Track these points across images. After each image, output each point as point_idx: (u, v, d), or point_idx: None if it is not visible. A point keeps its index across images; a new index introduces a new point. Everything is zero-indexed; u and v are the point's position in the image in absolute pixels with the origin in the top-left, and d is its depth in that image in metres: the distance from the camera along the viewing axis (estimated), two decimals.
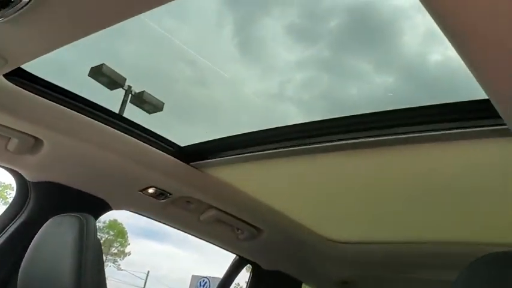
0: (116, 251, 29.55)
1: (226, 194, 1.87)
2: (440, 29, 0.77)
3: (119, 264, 29.40)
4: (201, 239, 2.13)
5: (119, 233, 29.21)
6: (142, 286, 27.20)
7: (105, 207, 1.77)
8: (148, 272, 27.47)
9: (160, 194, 1.79)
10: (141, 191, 1.75)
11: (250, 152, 1.61)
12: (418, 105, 1.24)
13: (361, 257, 2.19)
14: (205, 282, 15.22)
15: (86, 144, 1.54)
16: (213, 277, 15.12)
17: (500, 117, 0.96)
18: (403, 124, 1.23)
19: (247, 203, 1.95)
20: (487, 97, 0.93)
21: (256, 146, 1.55)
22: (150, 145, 1.64)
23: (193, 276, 16.40)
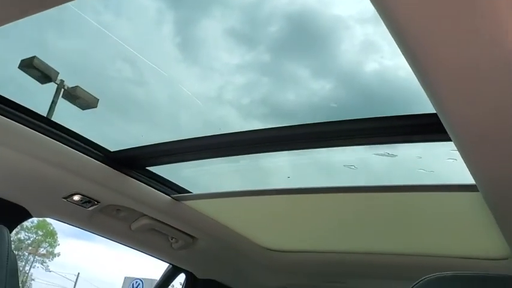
0: (44, 251, 28.24)
1: (158, 202, 1.78)
2: (395, 40, 0.75)
3: (48, 266, 28.15)
4: (133, 248, 2.02)
5: (48, 233, 27.93)
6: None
7: (24, 215, 1.62)
8: (79, 273, 26.45)
9: (87, 201, 1.66)
10: (65, 198, 1.62)
11: (185, 160, 1.54)
12: (358, 118, 1.22)
13: (296, 265, 2.17)
14: (138, 284, 14.86)
15: (3, 148, 1.40)
16: (146, 279, 14.77)
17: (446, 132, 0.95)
18: (344, 136, 1.20)
19: (182, 212, 1.87)
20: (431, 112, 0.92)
21: (190, 153, 1.48)
22: (77, 150, 1.52)
23: (126, 277, 15.96)
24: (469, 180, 1.13)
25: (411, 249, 1.80)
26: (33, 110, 1.43)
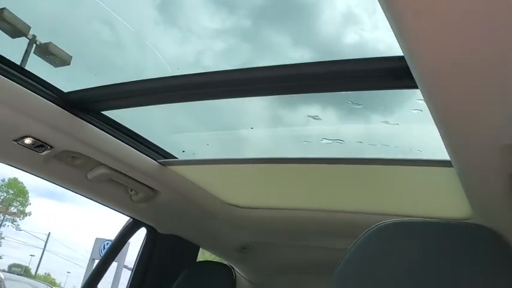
0: (15, 210, 27.94)
1: (117, 150, 1.70)
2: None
3: (18, 225, 27.93)
4: (91, 199, 1.95)
5: (19, 192, 27.56)
6: (43, 248, 26.03)
7: None
8: (49, 233, 26.31)
9: (40, 145, 1.57)
10: (15, 141, 1.53)
11: (143, 104, 1.46)
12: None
13: (259, 222, 2.15)
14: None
15: None
16: None
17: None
18: (307, 80, 1.13)
19: (142, 163, 1.80)
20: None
21: (148, 96, 1.40)
22: (27, 88, 1.42)
23: (97, 239, 15.93)
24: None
25: (375, 209, 1.78)
26: None
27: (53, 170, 1.70)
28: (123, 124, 1.71)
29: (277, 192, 2.02)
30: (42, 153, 1.60)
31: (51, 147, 1.58)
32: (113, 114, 1.66)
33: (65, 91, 1.50)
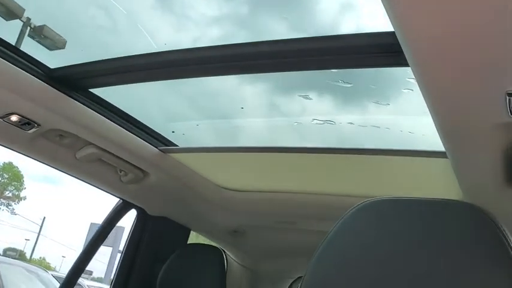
0: (10, 194, 27.93)
1: (106, 130, 1.68)
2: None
3: (13, 209, 27.93)
4: (80, 179, 1.93)
5: (14, 176, 27.52)
6: (38, 232, 26.07)
7: None
8: (45, 218, 26.34)
9: (27, 123, 1.54)
10: (2, 117, 1.50)
11: (133, 81, 1.43)
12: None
13: (250, 205, 2.14)
14: None
15: None
16: None
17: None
18: (291, 56, 1.11)
19: (131, 143, 1.78)
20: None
21: (140, 72, 1.37)
22: (12, 64, 1.39)
23: (92, 223, 15.91)
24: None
25: (366, 192, 1.77)
26: None
27: (41, 149, 1.68)
28: (112, 103, 1.69)
29: (268, 175, 2.01)
30: (29, 131, 1.58)
31: (38, 125, 1.56)
32: (102, 93, 1.63)
33: (51, 67, 1.47)
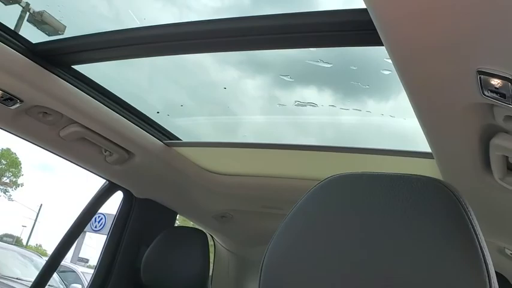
0: (7, 180, 27.95)
1: (90, 108, 1.67)
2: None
3: (10, 195, 27.96)
4: (64, 158, 1.92)
5: (12, 162, 27.52)
6: (34, 218, 26.11)
7: None
8: (41, 204, 26.36)
9: (9, 98, 1.53)
10: None
11: (117, 57, 1.41)
12: None
13: (237, 189, 2.13)
14: (101, 218, 14.89)
15: None
16: (109, 214, 14.79)
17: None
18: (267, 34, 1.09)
19: (116, 123, 1.77)
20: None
21: (124, 48, 1.36)
22: None
23: None
24: None
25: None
26: None
27: (24, 126, 1.67)
28: (98, 82, 1.68)
29: (256, 160, 2.01)
30: (12, 107, 1.57)
31: (21, 101, 1.55)
32: (86, 70, 1.62)
33: (34, 42, 1.46)
